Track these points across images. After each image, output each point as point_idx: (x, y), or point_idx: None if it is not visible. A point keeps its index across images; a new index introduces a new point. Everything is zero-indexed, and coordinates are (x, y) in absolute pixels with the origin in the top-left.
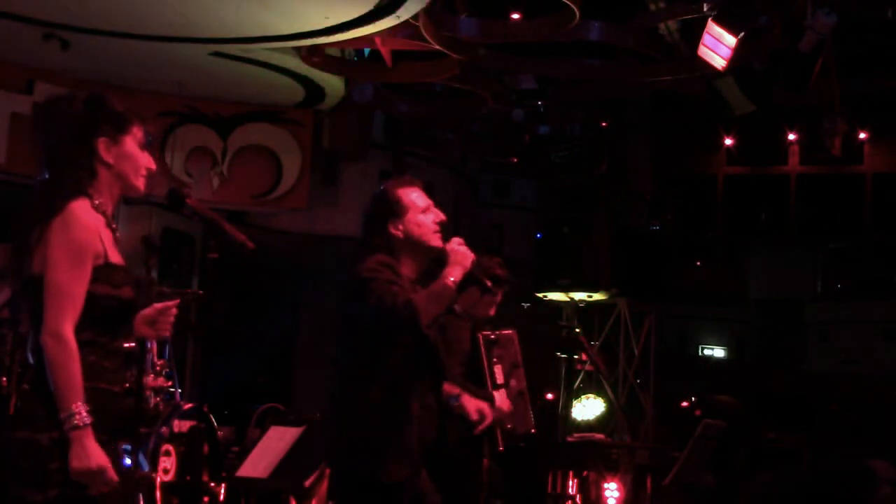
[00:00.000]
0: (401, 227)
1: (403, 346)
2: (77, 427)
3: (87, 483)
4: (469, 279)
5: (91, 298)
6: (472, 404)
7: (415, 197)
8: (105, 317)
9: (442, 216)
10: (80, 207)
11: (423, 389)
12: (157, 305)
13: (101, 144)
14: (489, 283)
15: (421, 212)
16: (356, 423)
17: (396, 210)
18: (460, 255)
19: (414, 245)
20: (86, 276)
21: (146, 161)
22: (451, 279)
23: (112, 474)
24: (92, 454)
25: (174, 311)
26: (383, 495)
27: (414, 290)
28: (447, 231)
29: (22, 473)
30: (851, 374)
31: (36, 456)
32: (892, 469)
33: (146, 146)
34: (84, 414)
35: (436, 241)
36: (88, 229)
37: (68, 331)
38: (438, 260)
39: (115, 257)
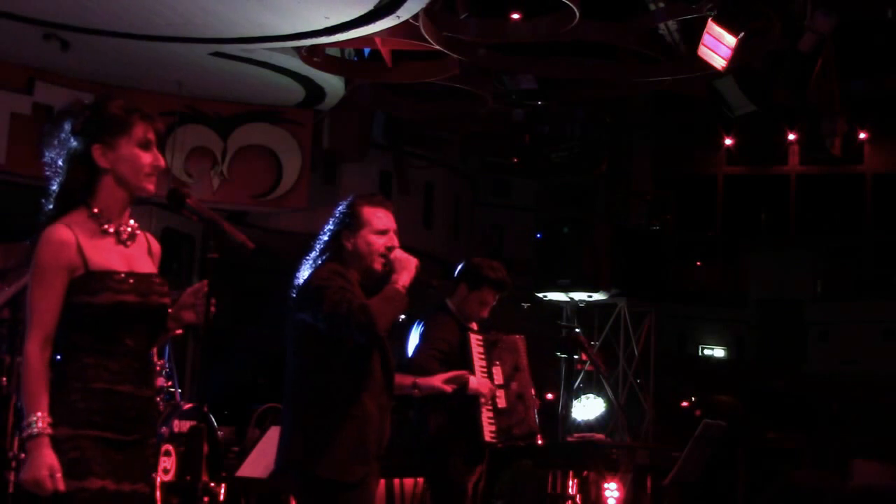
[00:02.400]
0: (352, 240)
1: (357, 349)
2: (31, 436)
3: (34, 492)
4: (417, 282)
5: (75, 309)
6: (434, 380)
7: (377, 216)
8: (95, 323)
9: (395, 244)
10: (56, 229)
11: (377, 390)
12: (189, 290)
13: (96, 151)
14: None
15: (375, 232)
16: (313, 424)
17: (353, 223)
18: (404, 260)
19: (358, 260)
20: (53, 293)
21: (150, 159)
22: (401, 284)
23: (57, 483)
24: (33, 465)
25: (206, 290)
26: (342, 495)
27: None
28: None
29: None
30: (851, 374)
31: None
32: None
33: (150, 145)
34: (40, 424)
35: (377, 264)
36: (56, 246)
37: (30, 348)
38: (386, 272)
39: (106, 264)
